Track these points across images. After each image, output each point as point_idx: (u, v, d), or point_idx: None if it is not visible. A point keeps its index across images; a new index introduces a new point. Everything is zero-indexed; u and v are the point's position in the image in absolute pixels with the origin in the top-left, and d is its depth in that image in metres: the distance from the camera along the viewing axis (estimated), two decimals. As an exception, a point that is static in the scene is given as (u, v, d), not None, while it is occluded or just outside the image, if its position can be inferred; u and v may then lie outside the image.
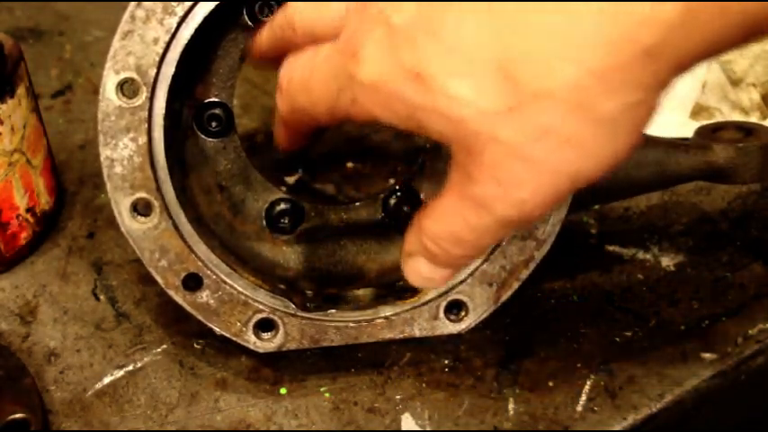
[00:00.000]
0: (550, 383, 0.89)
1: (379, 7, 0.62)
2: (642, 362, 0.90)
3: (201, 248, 0.83)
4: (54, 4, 1.51)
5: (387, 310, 0.86)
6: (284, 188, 1.04)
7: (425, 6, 0.60)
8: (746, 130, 0.97)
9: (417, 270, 0.71)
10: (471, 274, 0.85)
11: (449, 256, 0.68)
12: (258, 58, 0.83)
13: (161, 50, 0.79)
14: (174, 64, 0.80)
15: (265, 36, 0.81)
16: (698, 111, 1.18)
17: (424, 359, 0.91)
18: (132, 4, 0.78)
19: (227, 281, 0.83)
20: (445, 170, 0.98)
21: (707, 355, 0.91)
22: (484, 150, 0.59)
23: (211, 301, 0.83)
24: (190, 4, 0.79)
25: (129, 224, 0.81)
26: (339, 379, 0.90)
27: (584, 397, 0.87)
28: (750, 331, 0.93)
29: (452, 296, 0.85)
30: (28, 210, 1.01)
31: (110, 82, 0.78)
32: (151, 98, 0.80)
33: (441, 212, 0.66)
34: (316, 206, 0.98)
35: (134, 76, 0.79)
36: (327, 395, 0.88)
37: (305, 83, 0.70)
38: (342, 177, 1.16)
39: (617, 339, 0.93)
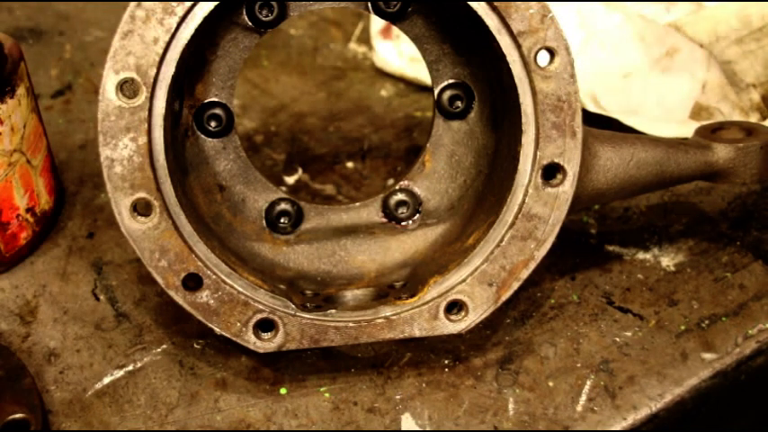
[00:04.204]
0: (550, 383, 0.89)
1: None
2: (642, 362, 0.90)
3: (201, 248, 0.83)
4: (54, 4, 1.51)
5: (387, 310, 0.86)
6: (284, 188, 1.04)
7: None
8: (746, 129, 0.97)
9: None
10: (471, 274, 0.85)
11: None
12: None
13: (161, 50, 0.79)
14: (174, 64, 0.80)
15: None
16: (698, 111, 1.18)
17: (424, 359, 0.91)
18: (132, 4, 0.78)
19: (227, 281, 0.83)
20: (445, 170, 0.99)
21: (707, 355, 0.91)
22: None
23: (211, 301, 0.83)
24: (190, 4, 0.79)
25: (129, 224, 0.81)
26: (339, 379, 0.90)
27: (584, 397, 0.87)
28: (750, 331, 0.93)
29: (452, 296, 0.85)
30: (28, 210, 1.01)
31: (110, 82, 0.78)
32: (151, 98, 0.79)
33: None
34: (316, 206, 0.98)
35: (134, 76, 0.78)
36: (327, 395, 0.88)
37: None
38: (342, 177, 1.16)
39: (617, 339, 0.93)
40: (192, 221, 0.84)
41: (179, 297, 0.83)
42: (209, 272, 0.83)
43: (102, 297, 0.99)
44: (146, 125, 0.80)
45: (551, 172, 0.85)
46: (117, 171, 0.80)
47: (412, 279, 0.90)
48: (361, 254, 0.95)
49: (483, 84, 0.95)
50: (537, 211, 0.85)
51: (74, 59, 1.38)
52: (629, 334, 0.93)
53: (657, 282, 0.99)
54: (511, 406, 0.87)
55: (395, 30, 1.29)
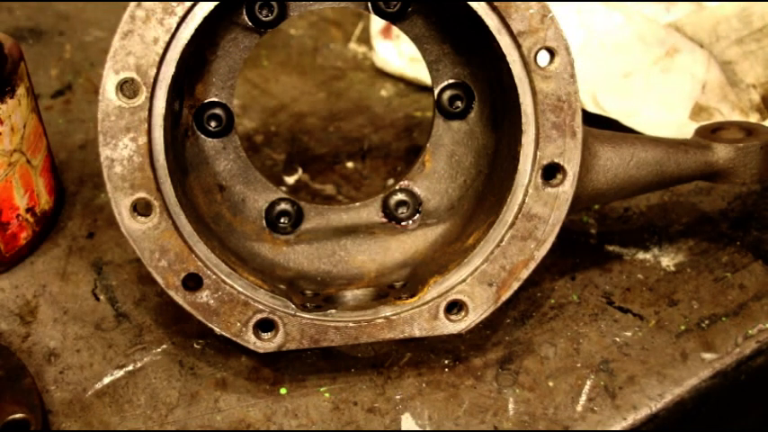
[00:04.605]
0: (550, 383, 0.89)
1: None
2: (642, 362, 0.90)
3: (201, 248, 0.83)
4: (54, 4, 1.51)
5: (387, 310, 0.86)
6: (284, 188, 1.04)
7: None
8: (746, 129, 0.97)
9: None
10: (471, 274, 0.85)
11: None
12: None
13: (161, 50, 0.79)
14: (174, 64, 0.80)
15: None
16: (698, 111, 1.18)
17: (424, 359, 0.91)
18: (132, 4, 0.78)
19: (227, 281, 0.83)
20: (445, 170, 0.99)
21: (707, 355, 0.91)
22: None
23: (211, 301, 0.83)
24: (190, 4, 0.79)
25: (129, 224, 0.81)
26: (339, 379, 0.90)
27: (584, 397, 0.87)
28: (750, 331, 0.93)
29: (452, 296, 0.85)
30: (28, 210, 1.01)
31: (110, 82, 0.78)
32: (151, 98, 0.80)
33: None
34: (316, 206, 0.98)
35: (134, 76, 0.78)
36: (327, 395, 0.88)
37: None
38: (342, 177, 1.16)
39: (617, 339, 0.93)
40: (192, 221, 0.84)
41: (179, 297, 0.83)
42: (209, 272, 0.83)
43: (102, 297, 0.99)
44: (146, 125, 0.80)
45: (551, 172, 0.85)
46: (117, 171, 0.80)
47: (412, 279, 0.90)
48: (361, 254, 0.95)
49: (483, 84, 0.95)
50: (537, 211, 0.85)
51: (74, 59, 1.38)
52: (629, 334, 0.93)
53: (657, 282, 0.99)
54: (511, 406, 0.87)
55: (395, 30, 1.29)
